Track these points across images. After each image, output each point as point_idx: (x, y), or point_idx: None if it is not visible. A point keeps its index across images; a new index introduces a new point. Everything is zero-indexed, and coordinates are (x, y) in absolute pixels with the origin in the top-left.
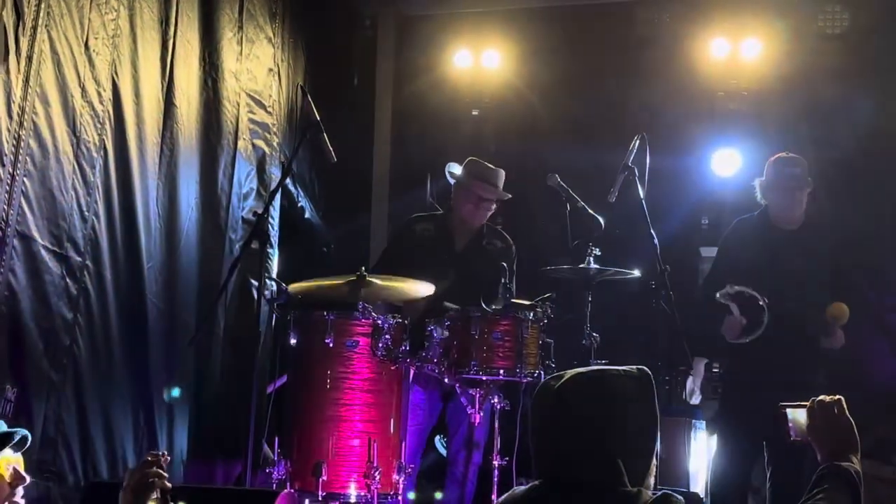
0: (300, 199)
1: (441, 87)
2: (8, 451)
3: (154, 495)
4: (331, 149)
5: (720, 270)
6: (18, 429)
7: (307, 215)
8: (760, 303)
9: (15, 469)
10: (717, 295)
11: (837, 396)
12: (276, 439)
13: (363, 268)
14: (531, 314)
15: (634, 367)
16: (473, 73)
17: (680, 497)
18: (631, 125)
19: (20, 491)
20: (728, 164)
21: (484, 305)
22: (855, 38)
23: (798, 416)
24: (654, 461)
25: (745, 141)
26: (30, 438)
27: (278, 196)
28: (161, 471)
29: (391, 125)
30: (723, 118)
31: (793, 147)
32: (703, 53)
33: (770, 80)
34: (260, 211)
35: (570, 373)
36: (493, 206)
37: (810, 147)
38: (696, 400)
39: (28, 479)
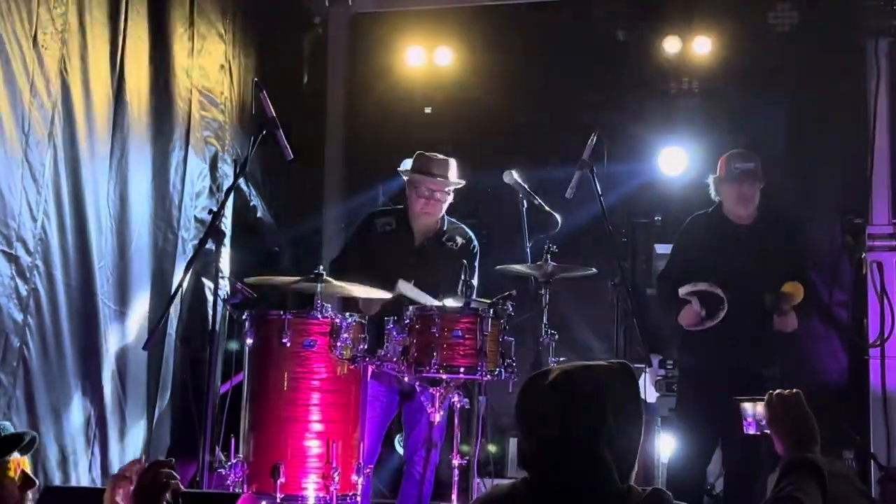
0: (252, 198)
1: (394, 84)
2: (15, 454)
3: (167, 497)
4: (287, 145)
5: (675, 267)
6: (27, 430)
7: (259, 215)
8: (722, 305)
9: (24, 472)
10: (682, 291)
11: (796, 390)
12: (232, 441)
13: (320, 266)
14: (492, 311)
15: (616, 360)
16: (426, 70)
17: (669, 493)
18: (584, 122)
19: (30, 495)
20: (675, 162)
21: (444, 302)
22: (804, 34)
23: (755, 408)
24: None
25: (696, 138)
26: (37, 440)
27: (231, 194)
28: (174, 471)
29: (344, 124)
30: (673, 115)
31: (742, 144)
32: (654, 50)
33: (720, 77)
34: (214, 209)
35: (556, 368)
36: (448, 199)
37: (758, 144)
38: (651, 398)
39: (38, 482)
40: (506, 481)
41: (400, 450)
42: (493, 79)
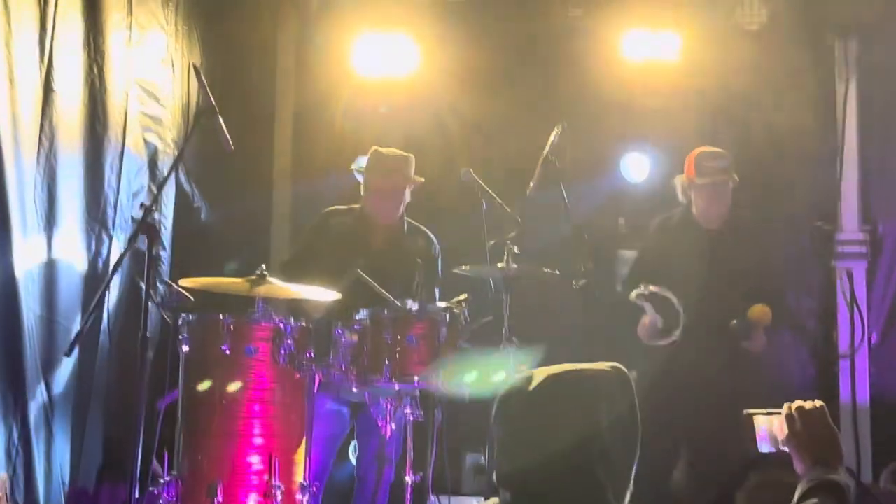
0: (196, 199)
1: (347, 82)
2: None
3: None
4: (227, 135)
5: (641, 272)
6: None
7: (203, 217)
8: (676, 306)
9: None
10: (632, 295)
11: (819, 403)
12: (165, 457)
13: (263, 266)
14: (448, 315)
15: (608, 364)
16: (382, 67)
17: None
18: (546, 120)
19: None
20: (638, 168)
21: (397, 304)
22: (772, 34)
23: (771, 423)
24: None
25: (661, 139)
26: None
27: (172, 194)
28: None
29: (293, 122)
30: (638, 115)
31: (709, 145)
32: (619, 47)
33: (687, 76)
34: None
35: (539, 372)
36: (405, 197)
37: (727, 145)
38: None
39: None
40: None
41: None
42: (452, 75)
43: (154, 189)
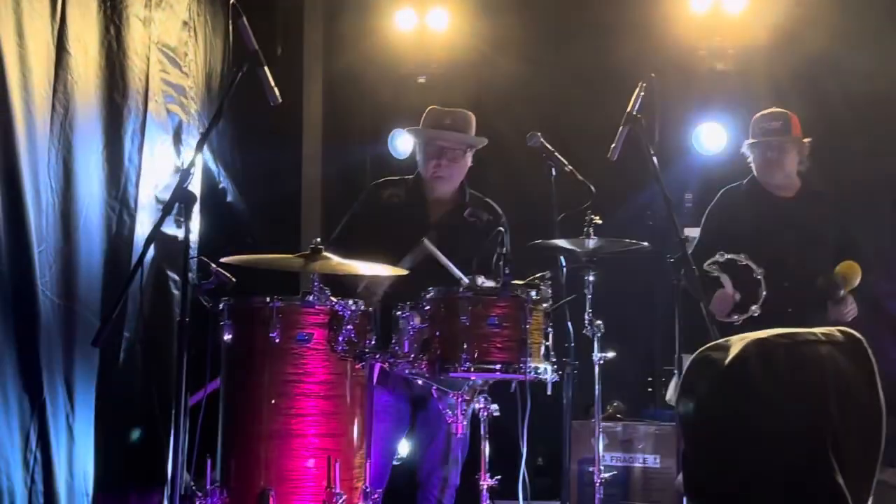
0: (221, 178)
1: (381, 52)
2: None
3: None
4: (273, 86)
5: (706, 246)
6: None
7: (229, 198)
8: (756, 275)
9: None
10: (706, 265)
11: None
12: (209, 462)
13: (317, 239)
14: (535, 293)
15: (836, 329)
16: (418, 35)
17: None
18: (597, 90)
19: None
20: (712, 138)
21: (470, 281)
22: None
23: None
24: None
25: (731, 107)
26: None
27: (199, 174)
28: None
29: (323, 98)
30: (705, 80)
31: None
32: (680, 6)
33: (757, 36)
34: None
35: (737, 341)
36: (466, 160)
37: (804, 108)
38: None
39: None
40: None
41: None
42: (493, 42)
43: (180, 166)
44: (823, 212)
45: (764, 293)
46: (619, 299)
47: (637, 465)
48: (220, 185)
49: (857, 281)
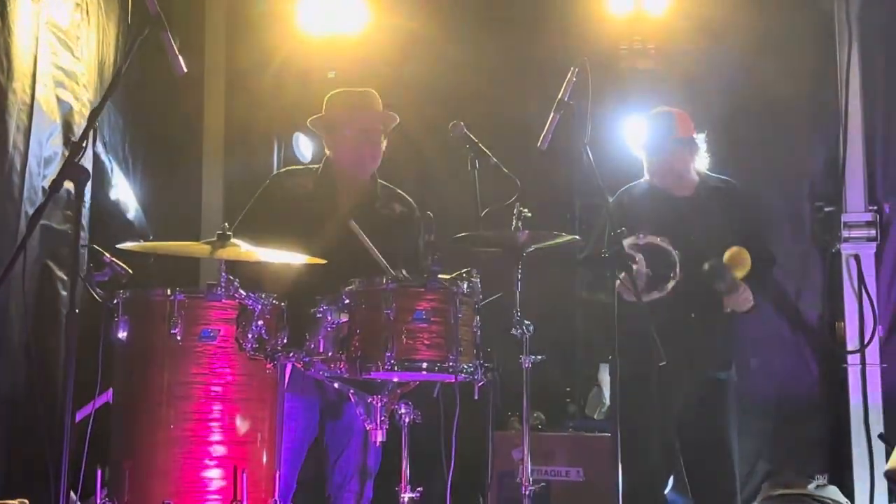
0: (113, 174)
1: (289, 44)
2: None
3: None
4: (178, 53)
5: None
6: None
7: (122, 196)
8: (673, 257)
9: None
10: (625, 244)
11: None
12: (99, 473)
13: (226, 224)
14: (465, 286)
15: None
16: (328, 25)
17: None
18: (515, 85)
19: None
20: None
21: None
22: None
23: None
24: None
25: (651, 105)
26: None
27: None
28: None
29: (225, 91)
30: (627, 79)
31: (701, 108)
32: (600, 5)
33: (678, 37)
34: None
35: None
36: (382, 142)
37: (723, 108)
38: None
39: None
40: None
41: None
42: (409, 35)
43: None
44: (724, 207)
45: (677, 274)
46: (539, 301)
47: (559, 478)
48: (113, 181)
49: (745, 265)
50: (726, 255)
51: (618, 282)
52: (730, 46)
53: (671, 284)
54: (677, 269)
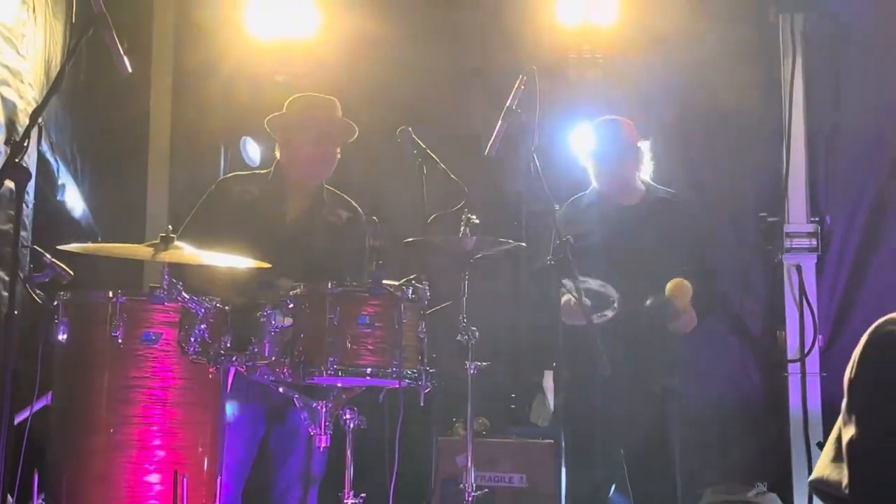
0: (60, 175)
1: (238, 48)
2: None
3: None
4: (123, 53)
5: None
6: None
7: (67, 197)
8: (612, 298)
9: None
10: (564, 284)
11: None
12: (35, 479)
13: (169, 227)
14: (410, 292)
15: None
16: (279, 29)
17: None
18: (464, 91)
19: None
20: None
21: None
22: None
23: None
24: None
25: (599, 114)
26: None
27: (33, 167)
28: None
29: (172, 94)
30: (574, 88)
31: (648, 118)
32: (549, 14)
33: (627, 47)
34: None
35: None
36: (337, 151)
37: (671, 117)
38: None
39: None
40: None
41: None
42: (358, 41)
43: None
44: (669, 220)
45: (613, 312)
46: (483, 307)
47: (503, 484)
48: (60, 182)
49: (686, 298)
50: (668, 288)
51: (564, 302)
52: (677, 57)
53: (610, 313)
54: (615, 305)
